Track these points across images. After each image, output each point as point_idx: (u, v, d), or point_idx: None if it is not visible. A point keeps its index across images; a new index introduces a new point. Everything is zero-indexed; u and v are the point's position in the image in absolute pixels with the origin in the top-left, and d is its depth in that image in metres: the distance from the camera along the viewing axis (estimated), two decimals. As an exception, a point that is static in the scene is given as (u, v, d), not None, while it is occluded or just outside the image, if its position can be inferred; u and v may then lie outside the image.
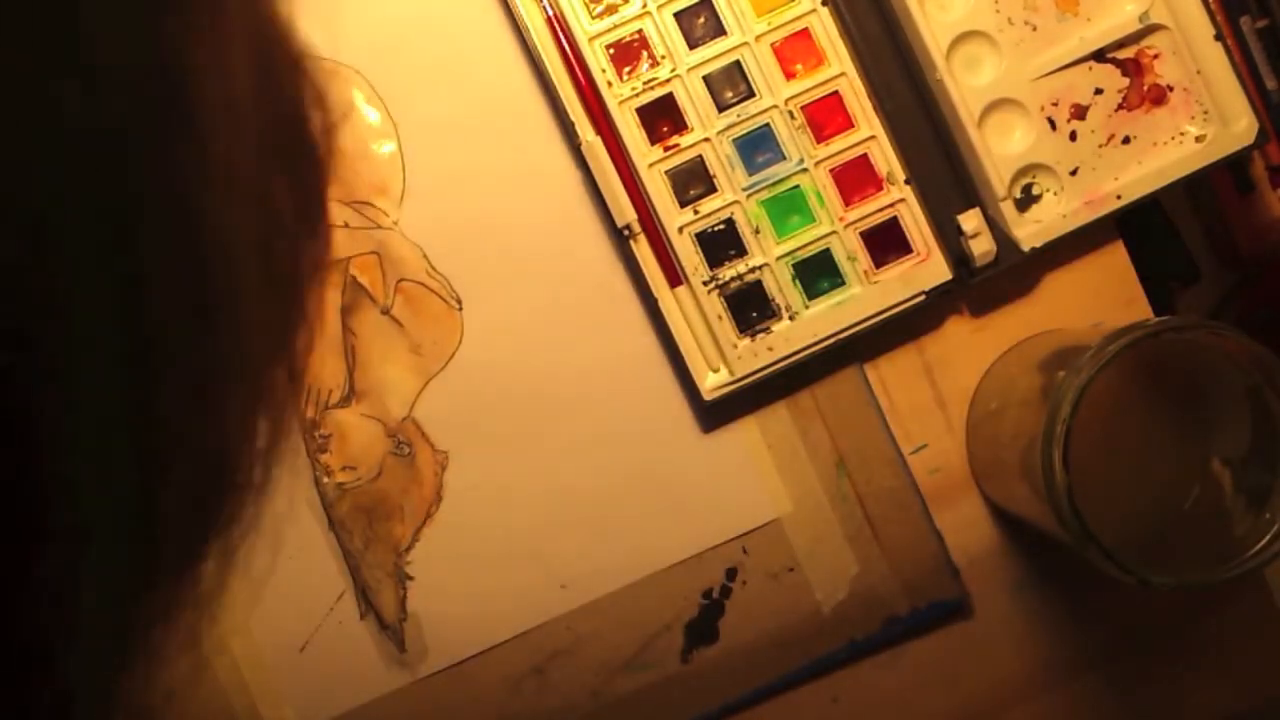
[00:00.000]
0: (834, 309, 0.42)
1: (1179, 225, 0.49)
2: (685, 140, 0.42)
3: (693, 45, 0.42)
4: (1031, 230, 0.42)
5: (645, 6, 0.42)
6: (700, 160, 0.42)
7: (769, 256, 0.42)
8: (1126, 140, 0.42)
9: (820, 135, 0.42)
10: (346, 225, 0.43)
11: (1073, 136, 0.42)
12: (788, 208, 0.42)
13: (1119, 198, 0.42)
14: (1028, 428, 0.37)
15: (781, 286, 0.42)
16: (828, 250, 0.42)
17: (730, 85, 0.42)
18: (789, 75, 0.42)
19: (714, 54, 0.42)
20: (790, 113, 0.42)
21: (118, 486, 0.15)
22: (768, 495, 0.44)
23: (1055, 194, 0.42)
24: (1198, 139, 0.42)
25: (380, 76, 0.43)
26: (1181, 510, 0.39)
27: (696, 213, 0.42)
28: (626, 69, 0.42)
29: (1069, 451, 0.35)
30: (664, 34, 0.42)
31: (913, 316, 0.43)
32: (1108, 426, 0.38)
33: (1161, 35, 0.42)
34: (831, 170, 0.42)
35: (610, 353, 0.43)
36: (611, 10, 0.42)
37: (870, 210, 0.42)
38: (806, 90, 0.42)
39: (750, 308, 0.42)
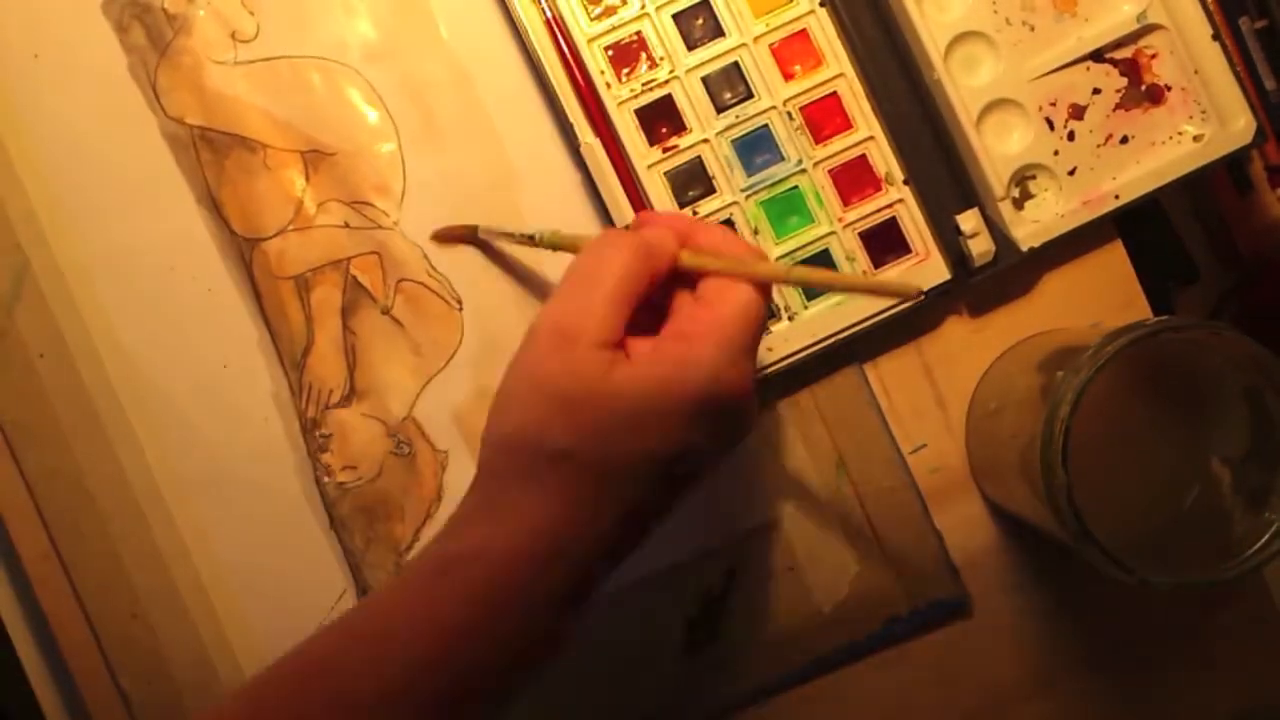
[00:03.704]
0: (833, 309, 0.42)
1: (1178, 225, 0.49)
2: (684, 141, 0.42)
3: (691, 46, 0.42)
4: (1030, 230, 0.42)
5: (644, 8, 0.42)
6: (699, 161, 0.42)
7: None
8: (1125, 140, 0.42)
9: (819, 136, 0.42)
10: (347, 225, 0.43)
11: (1071, 136, 0.42)
12: (786, 208, 0.42)
13: (1117, 197, 0.42)
14: (1027, 428, 0.37)
15: (781, 287, 0.42)
16: (827, 250, 0.42)
17: (729, 86, 0.42)
18: (787, 76, 0.42)
19: (712, 55, 0.42)
20: (789, 114, 0.42)
21: None
22: (768, 495, 0.44)
23: (1053, 194, 0.43)
24: (1196, 138, 0.42)
25: (380, 76, 0.43)
26: (1181, 510, 0.39)
27: (695, 214, 0.42)
28: (625, 70, 0.42)
29: (1069, 451, 0.35)
30: (662, 35, 0.42)
31: (912, 316, 0.43)
32: (1107, 426, 0.38)
33: (1159, 35, 0.42)
34: (830, 171, 0.42)
35: (610, 353, 0.43)
36: (610, 12, 0.42)
37: (869, 210, 0.42)
38: (805, 91, 0.42)
39: (749, 308, 0.42)
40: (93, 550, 0.43)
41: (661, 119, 0.42)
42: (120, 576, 0.43)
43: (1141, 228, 0.46)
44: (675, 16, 0.42)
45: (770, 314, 0.42)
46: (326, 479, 0.43)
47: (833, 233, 0.42)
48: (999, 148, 0.42)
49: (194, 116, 0.43)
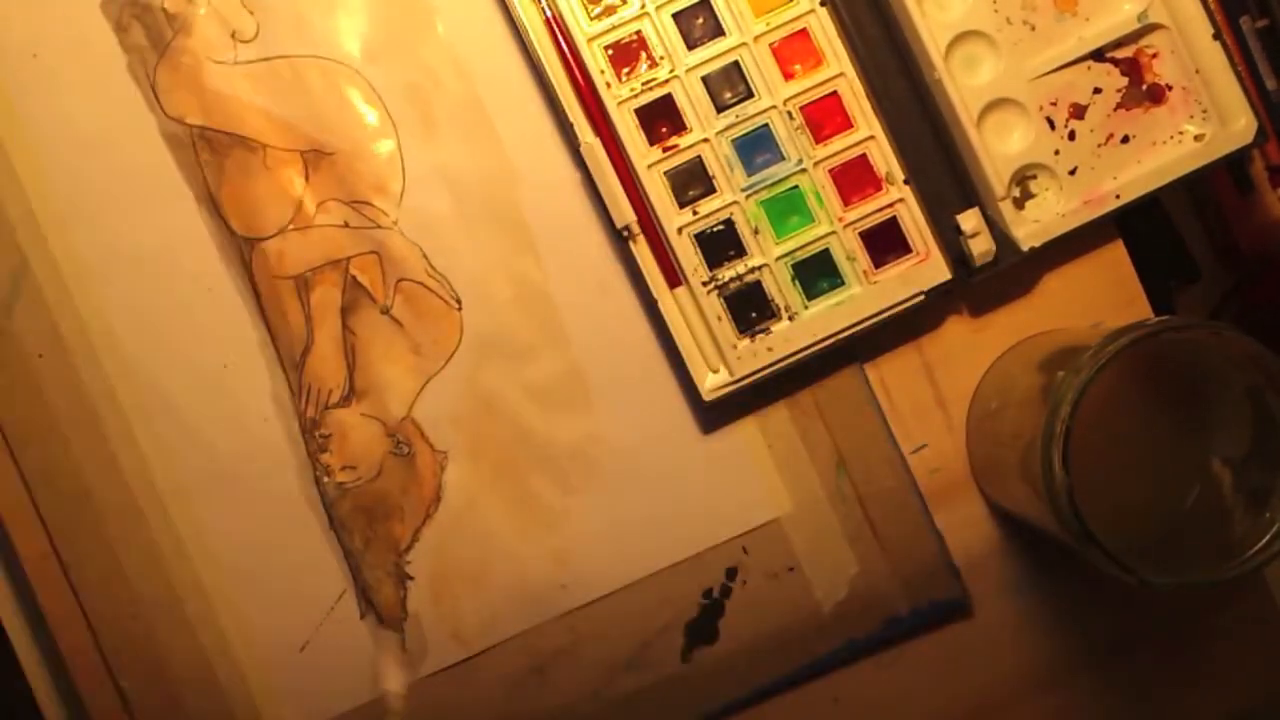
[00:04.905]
0: (833, 309, 0.42)
1: (1179, 225, 0.49)
2: (684, 141, 0.42)
3: (691, 46, 0.42)
4: (1031, 230, 0.42)
5: (644, 7, 0.42)
6: (699, 161, 0.42)
7: (768, 257, 0.42)
8: (1125, 139, 0.42)
9: (819, 135, 0.42)
10: (346, 224, 0.43)
11: (1071, 136, 0.42)
12: (787, 208, 0.42)
13: (1118, 197, 0.42)
14: (1028, 428, 0.37)
15: (781, 287, 0.42)
16: (827, 250, 0.42)
17: (729, 86, 0.42)
18: (788, 75, 0.42)
19: (713, 54, 0.42)
20: (789, 113, 0.42)
21: None
22: (768, 495, 0.44)
23: (1054, 193, 0.42)
24: (1197, 138, 0.42)
25: (379, 76, 0.43)
26: (1181, 510, 0.39)
27: (695, 213, 0.42)
28: (625, 70, 0.42)
29: (1069, 451, 0.35)
30: (662, 35, 0.42)
31: (912, 316, 0.43)
32: (1108, 426, 0.38)
33: (1160, 34, 0.42)
34: (830, 170, 0.42)
35: (610, 353, 0.43)
36: (610, 11, 0.42)
37: (869, 210, 0.42)
38: (805, 90, 0.42)
39: (750, 308, 0.42)
40: (92, 550, 0.43)
41: (661, 118, 0.42)
42: (119, 576, 0.43)
43: (1142, 227, 0.46)
44: (675, 16, 0.42)
45: (770, 314, 0.42)
46: (326, 479, 0.43)
47: (833, 232, 0.42)
48: (999, 147, 0.42)
49: (193, 116, 0.43)
